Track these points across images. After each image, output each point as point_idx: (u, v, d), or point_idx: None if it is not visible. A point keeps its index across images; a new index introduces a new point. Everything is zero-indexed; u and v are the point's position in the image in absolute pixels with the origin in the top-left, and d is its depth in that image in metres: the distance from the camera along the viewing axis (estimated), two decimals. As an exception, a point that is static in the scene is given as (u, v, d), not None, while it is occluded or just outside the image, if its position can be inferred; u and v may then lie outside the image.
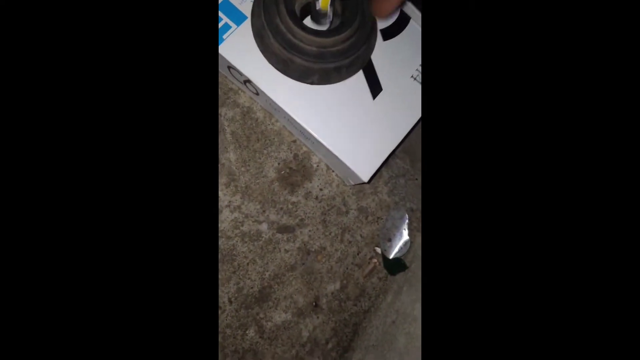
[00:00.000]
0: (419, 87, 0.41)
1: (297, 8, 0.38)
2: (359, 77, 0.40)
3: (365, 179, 0.40)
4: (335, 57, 0.37)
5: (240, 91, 0.48)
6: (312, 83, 0.39)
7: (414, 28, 0.42)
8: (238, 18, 0.39)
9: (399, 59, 0.40)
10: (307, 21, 0.40)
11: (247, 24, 0.39)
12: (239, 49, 0.38)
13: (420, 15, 0.41)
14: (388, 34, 0.41)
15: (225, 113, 0.48)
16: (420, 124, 0.42)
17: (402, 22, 0.41)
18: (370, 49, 0.39)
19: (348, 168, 0.40)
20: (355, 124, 0.40)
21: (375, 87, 0.40)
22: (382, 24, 0.41)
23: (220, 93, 0.47)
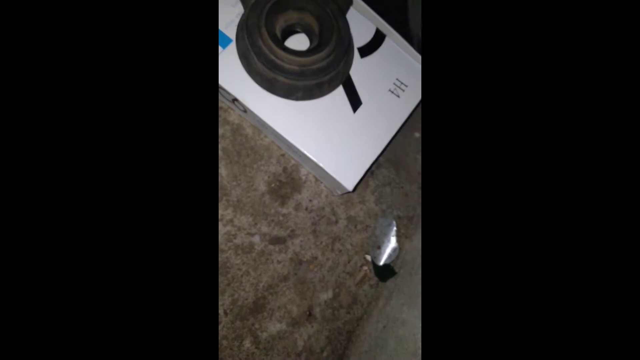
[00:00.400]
0: (397, 99, 0.43)
1: (278, 31, 0.40)
2: (340, 92, 0.42)
3: (350, 188, 0.42)
4: (316, 74, 0.39)
5: (229, 109, 0.50)
6: (296, 99, 0.41)
7: (390, 45, 0.44)
8: (224, 41, 0.42)
9: (377, 74, 0.43)
10: (289, 42, 0.43)
11: (232, 47, 0.41)
12: (226, 70, 0.40)
13: (395, 32, 0.43)
14: (365, 51, 0.43)
15: (215, 131, 0.50)
16: (400, 133, 0.44)
17: (378, 40, 0.44)
18: (349, 65, 0.42)
19: (333, 179, 0.42)
20: (338, 136, 0.42)
21: (355, 101, 0.42)
22: (359, 42, 0.43)
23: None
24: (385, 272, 0.52)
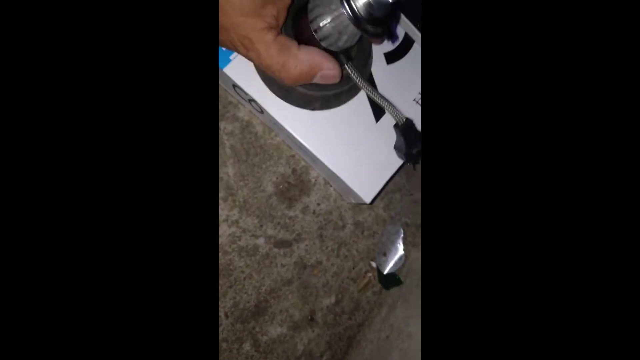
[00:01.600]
0: (421, 110, 0.41)
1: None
2: (363, 100, 0.40)
3: (368, 200, 0.41)
4: (335, 84, 0.37)
5: (239, 105, 0.47)
6: (313, 109, 0.39)
7: (418, 51, 0.42)
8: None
9: (402, 82, 0.41)
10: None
11: (252, 44, 0.38)
12: (245, 69, 0.38)
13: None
14: (392, 57, 0.41)
15: (224, 127, 0.48)
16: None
17: (406, 46, 0.42)
18: (368, 73, 0.40)
19: (351, 189, 0.41)
20: (358, 146, 0.40)
21: (378, 110, 0.40)
22: (386, 48, 0.41)
23: (219, 107, 0.47)
24: (390, 281, 0.52)
